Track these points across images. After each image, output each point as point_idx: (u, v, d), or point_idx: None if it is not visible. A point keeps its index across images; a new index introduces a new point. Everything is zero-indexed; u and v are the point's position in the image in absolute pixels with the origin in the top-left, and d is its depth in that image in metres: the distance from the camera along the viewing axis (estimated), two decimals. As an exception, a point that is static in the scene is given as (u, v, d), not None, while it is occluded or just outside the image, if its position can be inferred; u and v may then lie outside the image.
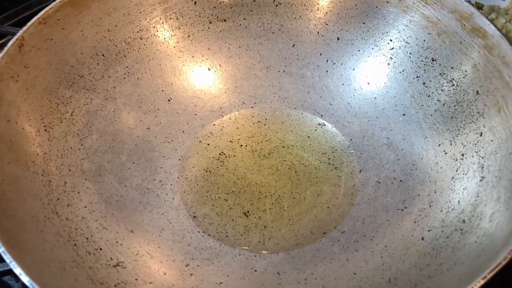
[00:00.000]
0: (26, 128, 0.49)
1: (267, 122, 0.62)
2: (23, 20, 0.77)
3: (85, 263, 0.43)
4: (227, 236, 0.52)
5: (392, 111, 0.58)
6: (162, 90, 0.61)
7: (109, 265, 0.45)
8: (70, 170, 0.51)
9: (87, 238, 0.46)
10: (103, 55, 0.57)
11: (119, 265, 0.45)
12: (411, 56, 0.57)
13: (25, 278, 0.34)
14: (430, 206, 0.49)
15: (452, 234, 0.44)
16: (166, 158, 0.58)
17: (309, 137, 0.60)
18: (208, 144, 0.60)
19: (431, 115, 0.54)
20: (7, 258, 0.35)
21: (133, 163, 0.56)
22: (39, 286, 0.34)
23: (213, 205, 0.54)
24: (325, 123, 0.61)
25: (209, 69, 0.63)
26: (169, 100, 0.61)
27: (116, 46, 0.58)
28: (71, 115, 0.53)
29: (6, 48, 0.48)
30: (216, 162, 0.58)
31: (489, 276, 0.34)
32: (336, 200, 0.54)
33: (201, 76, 0.63)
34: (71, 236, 0.45)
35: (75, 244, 0.44)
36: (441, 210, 0.47)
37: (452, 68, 0.53)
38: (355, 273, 0.46)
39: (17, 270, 0.34)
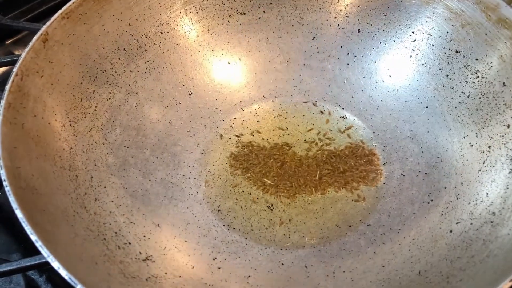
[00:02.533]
0: (52, 123, 0.49)
1: (288, 116, 0.62)
2: (38, 15, 0.77)
3: (116, 257, 0.43)
4: (252, 230, 0.52)
5: (415, 104, 0.58)
6: (183, 85, 0.61)
7: (139, 259, 0.45)
8: (95, 165, 0.51)
9: (115, 233, 0.46)
10: (124, 50, 0.57)
11: (148, 259, 0.45)
12: (434, 48, 0.57)
13: (63, 272, 0.34)
14: (457, 199, 0.48)
15: (482, 227, 0.44)
16: (188, 152, 0.58)
17: (331, 130, 0.60)
18: (230, 138, 0.60)
19: (456, 107, 0.54)
20: (45, 252, 0.35)
21: (157, 157, 0.56)
22: (77, 280, 0.34)
23: (237, 199, 0.54)
24: (347, 116, 0.61)
25: (229, 63, 0.63)
26: (190, 95, 0.61)
27: (137, 40, 0.58)
28: (95, 110, 0.53)
29: (31, 43, 0.48)
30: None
31: (527, 268, 0.34)
32: (361, 193, 0.54)
33: (221, 70, 0.63)
34: (100, 231, 0.45)
35: (104, 239, 0.44)
36: (469, 203, 0.47)
37: (477, 59, 0.53)
38: (383, 266, 0.46)
39: (55, 264, 0.34)
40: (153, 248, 0.47)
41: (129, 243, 0.46)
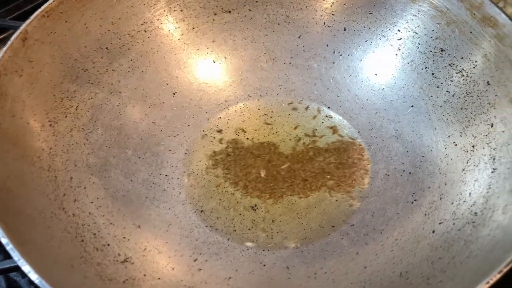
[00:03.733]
0: (31, 123, 0.48)
1: (274, 115, 0.61)
2: (24, 14, 0.76)
3: (93, 259, 0.43)
4: (235, 231, 0.51)
5: (401, 103, 0.57)
6: (167, 84, 0.60)
7: (117, 261, 0.44)
8: (76, 165, 0.50)
9: (94, 234, 0.46)
10: (107, 48, 0.57)
11: (127, 261, 0.45)
12: (420, 46, 0.56)
13: (33, 276, 0.33)
14: (440, 199, 0.48)
15: (464, 227, 0.43)
16: (172, 152, 0.57)
17: (316, 129, 0.59)
18: (214, 138, 0.59)
19: (441, 106, 0.54)
20: (15, 255, 0.34)
21: (139, 157, 0.55)
22: (48, 284, 0.33)
23: (220, 199, 0.54)
24: (333, 115, 0.60)
25: (214, 62, 0.63)
26: (174, 94, 0.60)
27: (120, 39, 0.58)
28: (76, 110, 0.53)
29: (9, 42, 0.48)
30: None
31: (505, 270, 0.34)
32: (344, 194, 0.53)
33: (206, 68, 0.62)
34: (78, 232, 0.44)
35: (82, 240, 0.44)
36: (452, 203, 0.47)
37: (462, 58, 0.53)
38: (365, 267, 0.46)
39: (26, 268, 0.34)
40: (133, 249, 0.46)
41: (108, 245, 0.45)
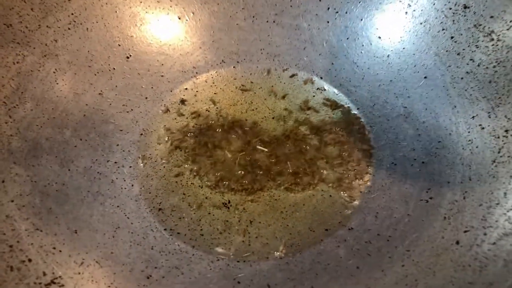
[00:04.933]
0: None
1: (253, 87, 0.49)
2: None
3: (2, 285, 0.31)
4: (202, 235, 0.40)
5: (410, 73, 0.46)
6: (119, 45, 0.48)
7: (40, 283, 0.33)
8: (-9, 151, 0.38)
9: (10, 246, 0.34)
10: (39, -2, 0.44)
11: (54, 283, 0.34)
12: (436, 2, 0.45)
13: None
14: (464, 198, 0.38)
15: (500, 240, 0.33)
16: (123, 132, 0.45)
17: (305, 105, 0.48)
18: (178, 114, 0.47)
19: (462, 78, 0.43)
20: None
21: (81, 139, 0.43)
22: None
23: (184, 194, 0.43)
24: (326, 87, 0.49)
25: (179, 18, 0.50)
26: (127, 58, 0.48)
27: (56, -15, 0.45)
28: (-5, 77, 0.40)
29: None
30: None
31: None
32: (340, 187, 0.43)
33: (169, 26, 0.50)
34: (-15, 246, 0.33)
35: (-10, 257, 0.32)
36: (481, 204, 0.36)
37: (492, 17, 0.42)
38: (369, 288, 0.35)
39: None
40: (65, 265, 0.35)
41: (29, 260, 0.34)
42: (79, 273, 0.35)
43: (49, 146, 0.42)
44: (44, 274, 0.34)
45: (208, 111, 0.48)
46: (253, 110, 0.48)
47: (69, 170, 0.41)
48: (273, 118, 0.47)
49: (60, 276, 0.34)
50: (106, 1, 0.47)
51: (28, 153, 0.40)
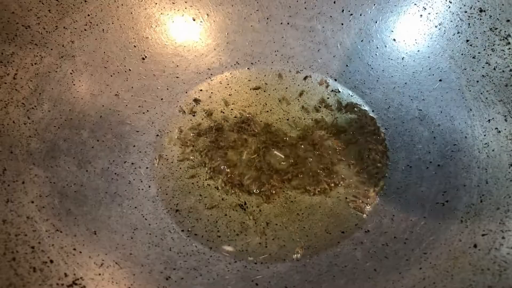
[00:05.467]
0: None
1: (268, 88, 0.50)
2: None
3: (27, 286, 0.32)
4: (219, 236, 0.41)
5: (425, 76, 0.46)
6: (134, 46, 0.48)
7: (62, 284, 0.33)
8: (11, 152, 0.38)
9: (32, 248, 0.34)
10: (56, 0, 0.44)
11: (76, 284, 0.34)
12: (451, 5, 0.45)
13: None
14: (481, 201, 0.38)
15: (519, 244, 0.33)
16: (140, 133, 0.46)
17: (319, 106, 0.48)
18: (194, 115, 0.48)
19: (477, 81, 0.43)
20: None
21: (97, 140, 0.43)
22: None
23: (200, 195, 0.43)
24: (340, 89, 0.49)
25: (194, 20, 0.50)
26: (143, 59, 0.48)
27: (73, -13, 0.45)
28: (14, 78, 0.41)
29: None
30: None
31: None
32: (356, 188, 0.43)
33: (184, 28, 0.50)
34: (8, 247, 0.33)
35: (13, 259, 0.33)
36: (498, 208, 0.37)
37: (508, 21, 0.42)
38: (387, 290, 0.36)
39: None
40: (85, 266, 0.35)
41: (51, 262, 0.34)
42: (100, 274, 0.35)
43: (67, 147, 0.42)
44: (66, 275, 0.34)
45: (223, 112, 0.48)
46: (267, 111, 0.48)
47: (86, 171, 0.42)
48: (287, 120, 0.48)
49: (81, 277, 0.34)
50: (121, 3, 0.48)
51: (46, 154, 0.40)
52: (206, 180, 0.44)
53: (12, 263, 0.32)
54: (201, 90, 0.49)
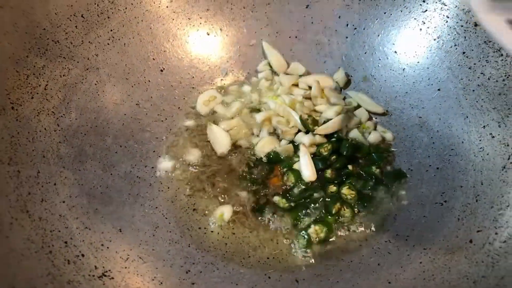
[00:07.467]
0: (-13, 106, 0.40)
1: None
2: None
3: (63, 276, 0.35)
4: (234, 233, 0.44)
5: (425, 85, 0.49)
6: (153, 59, 0.51)
7: (93, 276, 0.37)
8: (44, 156, 0.42)
9: (65, 242, 0.38)
10: (82, 16, 0.48)
11: (105, 275, 0.37)
12: (449, 20, 0.48)
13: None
14: (476, 201, 0.41)
15: (511, 238, 0.36)
16: (159, 139, 0.49)
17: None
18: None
19: (473, 90, 0.46)
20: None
21: (120, 146, 0.47)
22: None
23: (215, 196, 0.46)
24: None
25: (208, 34, 0.54)
26: (161, 71, 0.52)
27: (97, 5, 0.49)
28: (45, 89, 0.44)
29: (-43, 5, 0.39)
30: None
31: None
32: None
33: (199, 42, 0.54)
34: (45, 242, 0.36)
35: (50, 252, 0.36)
36: (492, 207, 0.40)
37: (501, 34, 0.45)
38: (389, 282, 0.39)
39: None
40: (113, 260, 0.39)
41: (82, 255, 0.38)
42: (126, 268, 0.39)
43: (93, 152, 0.45)
44: (96, 267, 0.37)
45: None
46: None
47: (111, 174, 0.45)
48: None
49: (109, 270, 0.38)
50: (141, 19, 0.51)
51: (74, 158, 0.44)
52: (220, 181, 0.47)
53: (49, 255, 0.36)
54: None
